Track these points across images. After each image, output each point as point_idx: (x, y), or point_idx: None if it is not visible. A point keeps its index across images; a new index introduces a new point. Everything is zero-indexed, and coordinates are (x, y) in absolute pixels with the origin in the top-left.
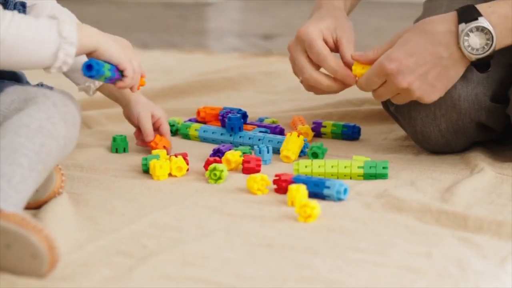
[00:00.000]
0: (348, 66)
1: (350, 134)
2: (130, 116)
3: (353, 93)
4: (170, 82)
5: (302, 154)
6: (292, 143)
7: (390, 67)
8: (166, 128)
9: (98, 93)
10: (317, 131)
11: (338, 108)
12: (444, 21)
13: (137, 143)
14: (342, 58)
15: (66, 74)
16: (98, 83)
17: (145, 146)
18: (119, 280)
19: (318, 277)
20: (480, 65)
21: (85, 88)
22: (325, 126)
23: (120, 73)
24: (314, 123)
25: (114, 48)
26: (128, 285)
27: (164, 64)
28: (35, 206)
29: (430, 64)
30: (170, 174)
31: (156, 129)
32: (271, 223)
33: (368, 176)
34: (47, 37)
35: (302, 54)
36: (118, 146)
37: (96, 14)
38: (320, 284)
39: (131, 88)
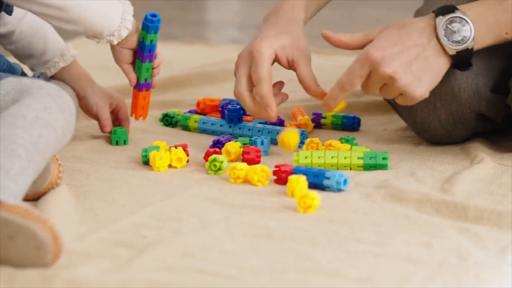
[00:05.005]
0: (308, 89)
1: (350, 125)
2: (88, 108)
3: None
4: (169, 74)
5: (301, 144)
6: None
7: (375, 54)
8: (124, 113)
9: None
10: (317, 122)
11: None
12: (423, 19)
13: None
14: (301, 81)
15: (22, 60)
16: (54, 70)
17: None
18: (119, 271)
19: (318, 268)
20: (460, 62)
21: (41, 75)
22: (325, 117)
23: None
24: (314, 114)
25: None
26: (128, 276)
27: (164, 56)
28: (33, 197)
29: (413, 53)
30: (170, 166)
31: (115, 114)
32: (271, 214)
33: (368, 167)
34: (111, 0)
35: (245, 67)
36: (118, 138)
37: None
38: (320, 274)
39: (154, 70)
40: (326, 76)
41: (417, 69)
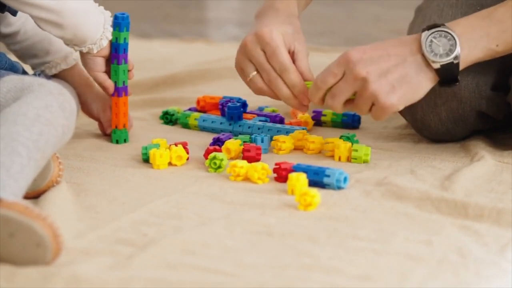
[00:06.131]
0: (305, 80)
1: (350, 122)
2: (89, 111)
3: None
4: (170, 72)
5: None
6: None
7: (353, 54)
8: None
9: None
10: (317, 120)
11: None
12: (410, 35)
13: (103, 133)
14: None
15: (25, 60)
16: (54, 70)
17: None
18: (119, 268)
19: (318, 265)
20: (446, 79)
21: (42, 73)
22: (325, 115)
23: None
24: (314, 111)
25: None
26: (128, 273)
27: (164, 53)
28: (33, 195)
29: (393, 62)
30: (170, 163)
31: None
32: (271, 211)
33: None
34: (97, 10)
35: (262, 54)
36: (118, 137)
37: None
38: (320, 272)
39: (129, 73)
40: None
41: (393, 78)
